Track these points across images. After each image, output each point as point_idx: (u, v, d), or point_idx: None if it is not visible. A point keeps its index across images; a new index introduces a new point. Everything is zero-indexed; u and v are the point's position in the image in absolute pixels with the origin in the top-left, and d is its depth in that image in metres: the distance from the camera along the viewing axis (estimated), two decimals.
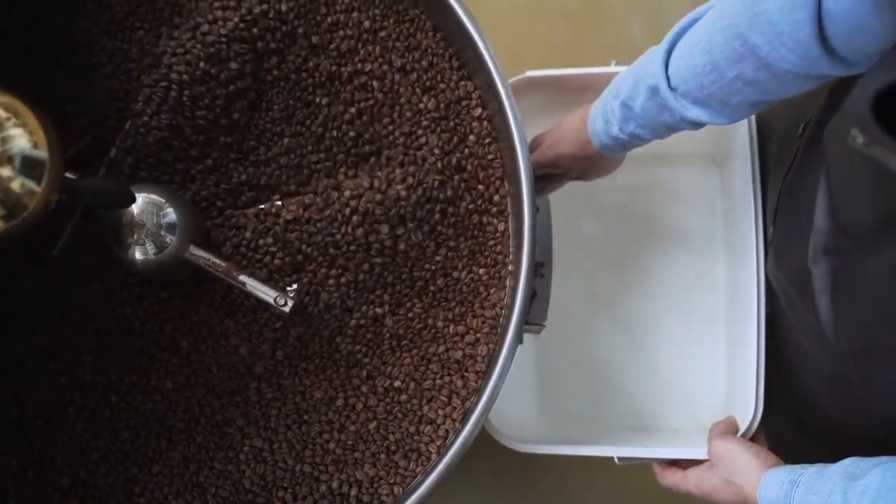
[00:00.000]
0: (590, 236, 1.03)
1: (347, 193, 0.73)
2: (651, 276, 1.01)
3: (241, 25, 0.72)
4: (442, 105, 0.76)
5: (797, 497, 0.56)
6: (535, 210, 0.69)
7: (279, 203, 0.75)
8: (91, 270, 0.74)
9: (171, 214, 0.68)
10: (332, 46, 0.75)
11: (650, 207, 1.03)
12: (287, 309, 0.67)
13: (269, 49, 0.73)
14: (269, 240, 0.74)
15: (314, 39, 0.75)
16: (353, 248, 0.73)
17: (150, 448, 0.73)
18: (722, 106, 0.60)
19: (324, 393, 0.75)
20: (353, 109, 0.76)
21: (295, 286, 0.71)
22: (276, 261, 0.74)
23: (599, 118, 0.70)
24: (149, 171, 0.74)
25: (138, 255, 0.68)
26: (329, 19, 0.75)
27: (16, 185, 0.54)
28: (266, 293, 0.68)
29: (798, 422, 0.75)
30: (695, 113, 0.61)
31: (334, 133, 0.76)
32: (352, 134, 0.76)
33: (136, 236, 0.68)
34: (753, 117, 0.81)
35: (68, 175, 0.59)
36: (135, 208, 0.68)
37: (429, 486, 0.66)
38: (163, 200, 0.68)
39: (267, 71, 0.74)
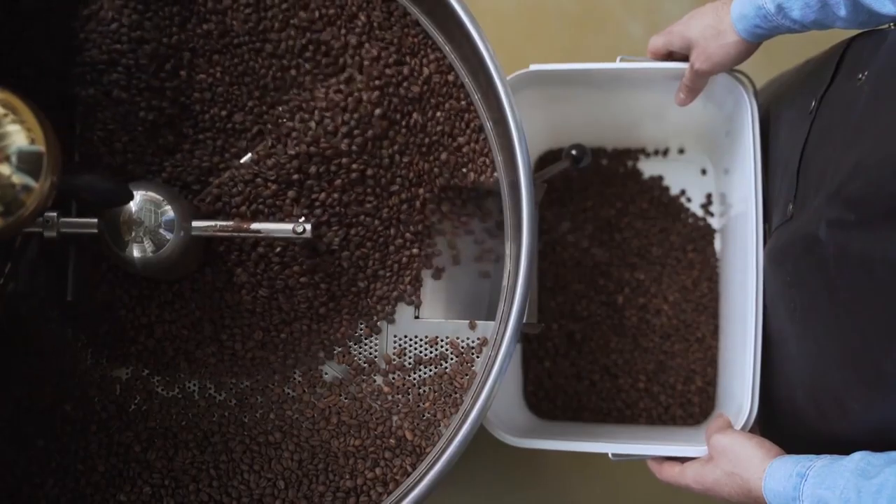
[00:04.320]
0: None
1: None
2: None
3: None
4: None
5: (807, 490, 0.56)
6: (535, 208, 0.68)
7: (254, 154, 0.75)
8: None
9: (169, 212, 0.68)
10: None
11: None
12: (308, 234, 0.68)
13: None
14: (267, 183, 0.73)
15: None
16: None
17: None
18: None
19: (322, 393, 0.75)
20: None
21: (303, 218, 0.72)
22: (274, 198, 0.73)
23: None
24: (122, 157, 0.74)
25: (136, 254, 0.68)
26: None
27: (13, 181, 0.54)
28: (282, 229, 0.69)
29: (774, 431, 0.75)
30: None
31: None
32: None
33: (133, 234, 0.68)
34: (756, 110, 0.81)
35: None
36: (132, 206, 0.68)
37: (427, 486, 0.65)
38: (161, 198, 0.68)
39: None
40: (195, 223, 0.69)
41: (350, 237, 0.76)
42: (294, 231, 0.68)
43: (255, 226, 0.69)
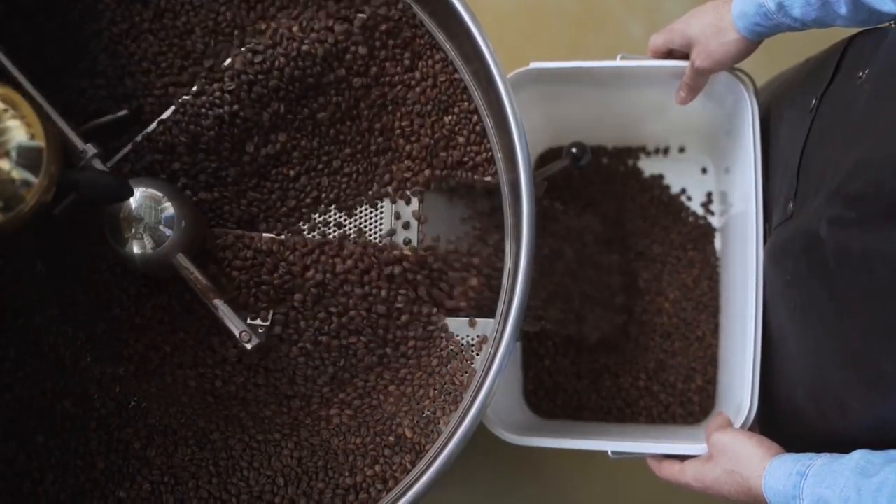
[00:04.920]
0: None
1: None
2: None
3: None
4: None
5: (806, 489, 0.56)
6: (535, 206, 0.68)
7: (287, 236, 0.75)
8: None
9: (169, 209, 0.68)
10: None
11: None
12: (249, 346, 0.66)
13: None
14: (267, 270, 0.73)
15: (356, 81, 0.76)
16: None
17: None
18: None
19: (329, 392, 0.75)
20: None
21: (269, 321, 0.70)
22: (263, 290, 0.73)
23: None
24: (165, 172, 0.75)
25: (136, 250, 0.68)
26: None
27: (13, 177, 0.54)
28: (234, 324, 0.67)
29: (774, 430, 0.75)
30: None
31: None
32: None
33: (133, 230, 0.68)
34: (756, 109, 0.81)
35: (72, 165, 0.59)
36: (133, 202, 0.68)
37: (426, 483, 0.65)
38: (161, 195, 0.68)
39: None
40: (180, 256, 0.68)
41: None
42: (240, 337, 0.65)
43: (217, 301, 0.67)
